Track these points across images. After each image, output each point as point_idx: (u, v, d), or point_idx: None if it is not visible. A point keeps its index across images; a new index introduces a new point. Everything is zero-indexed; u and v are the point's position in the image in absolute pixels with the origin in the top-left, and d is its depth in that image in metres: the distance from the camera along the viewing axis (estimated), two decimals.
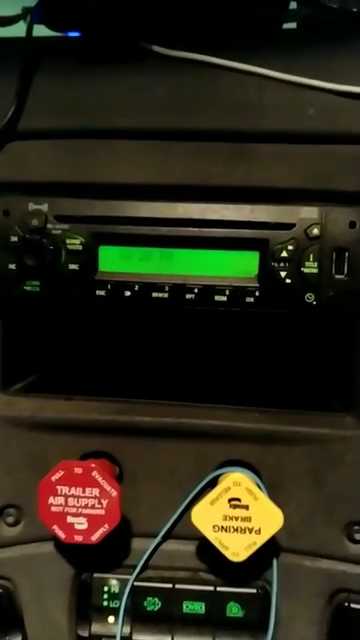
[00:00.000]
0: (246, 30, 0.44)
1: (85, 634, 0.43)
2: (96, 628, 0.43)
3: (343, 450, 0.41)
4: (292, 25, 0.48)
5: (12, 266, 0.43)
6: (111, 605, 0.43)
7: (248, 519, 0.38)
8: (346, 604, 0.41)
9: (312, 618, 0.42)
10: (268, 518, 0.38)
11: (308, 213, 0.41)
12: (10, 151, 0.43)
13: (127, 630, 0.42)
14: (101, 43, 0.44)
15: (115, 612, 0.43)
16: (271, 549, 0.40)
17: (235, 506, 0.38)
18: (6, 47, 0.44)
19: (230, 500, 0.38)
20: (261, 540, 0.38)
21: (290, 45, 0.42)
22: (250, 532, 0.38)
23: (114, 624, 0.43)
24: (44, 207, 0.43)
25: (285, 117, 0.41)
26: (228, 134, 0.41)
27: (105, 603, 0.43)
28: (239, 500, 0.38)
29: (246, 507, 0.38)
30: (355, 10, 0.44)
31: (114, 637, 0.42)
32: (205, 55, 0.41)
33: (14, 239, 0.43)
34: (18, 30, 0.44)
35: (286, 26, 0.48)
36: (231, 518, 0.38)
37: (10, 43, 0.44)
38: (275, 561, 0.41)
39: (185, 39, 0.42)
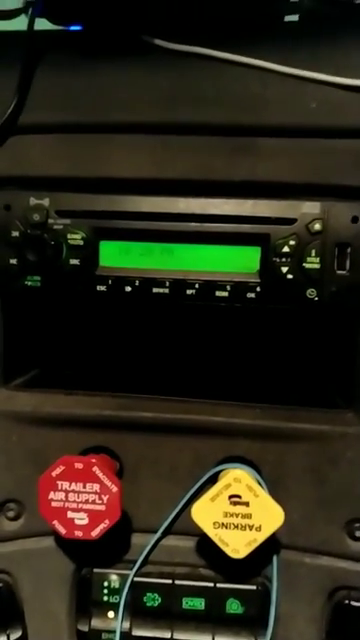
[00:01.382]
0: (248, 23, 0.43)
1: (85, 629, 0.43)
2: (96, 623, 0.43)
3: (344, 447, 0.41)
4: (294, 18, 0.47)
5: (13, 261, 0.43)
6: (111, 600, 0.43)
7: (249, 516, 0.38)
8: (346, 601, 0.41)
9: (312, 615, 0.42)
10: (269, 515, 0.38)
11: (310, 208, 0.41)
12: (11, 145, 0.43)
13: (127, 625, 0.42)
14: (103, 37, 0.44)
15: (115, 607, 0.43)
16: (271, 546, 0.40)
17: (236, 503, 0.38)
18: (7, 41, 0.44)
19: (231, 497, 0.38)
20: (261, 537, 0.38)
21: (292, 38, 0.42)
22: (250, 529, 0.38)
23: (114, 619, 0.43)
24: (45, 202, 0.43)
25: (287, 111, 0.40)
26: (230, 128, 0.41)
27: (105, 598, 0.43)
28: (240, 497, 0.38)
29: (246, 504, 0.38)
30: (358, 2, 0.43)
31: (114, 632, 0.42)
32: (207, 48, 0.41)
33: (15, 234, 0.43)
34: (19, 24, 0.44)
35: (288, 18, 0.47)
36: (231, 515, 0.38)
37: (11, 37, 0.44)
38: (275, 558, 0.41)
39: (187, 33, 0.42)
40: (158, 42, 0.42)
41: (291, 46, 0.41)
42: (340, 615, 0.41)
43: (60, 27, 0.46)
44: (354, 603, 0.41)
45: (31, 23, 0.43)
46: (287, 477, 0.42)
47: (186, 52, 0.41)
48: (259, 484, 0.39)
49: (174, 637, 0.42)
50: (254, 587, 0.42)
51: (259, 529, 0.38)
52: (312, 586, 0.42)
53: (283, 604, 0.41)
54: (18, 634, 0.43)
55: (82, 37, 0.46)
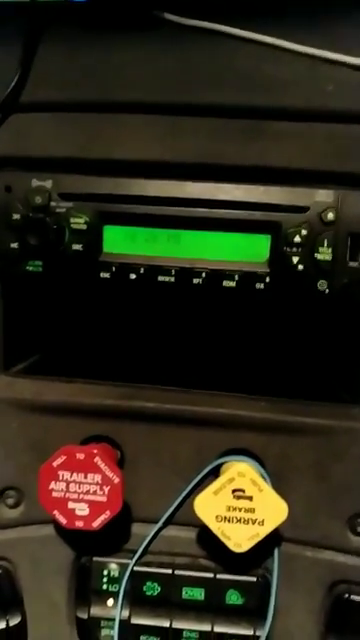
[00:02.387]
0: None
1: (84, 616, 0.43)
2: (95, 611, 0.43)
3: (349, 442, 0.40)
4: None
5: (14, 245, 0.42)
6: (110, 589, 0.43)
7: (252, 510, 0.38)
8: (346, 595, 0.41)
9: (311, 608, 0.42)
10: (272, 510, 0.38)
11: (323, 196, 0.39)
12: (12, 124, 0.41)
13: (126, 614, 0.42)
14: (110, 10, 0.41)
15: (114, 596, 0.43)
16: (273, 539, 0.40)
17: (239, 497, 0.38)
18: (9, 12, 0.42)
19: (234, 491, 0.38)
20: (264, 531, 0.38)
21: (309, 16, 0.40)
22: (253, 523, 0.38)
23: (113, 607, 0.43)
24: (48, 184, 0.42)
25: (302, 93, 0.39)
26: (242, 110, 0.39)
27: (104, 587, 0.43)
28: (243, 491, 0.38)
29: (250, 498, 0.38)
30: None
31: (113, 620, 0.42)
32: (220, 24, 0.39)
33: (16, 217, 0.42)
34: None
35: None
36: (234, 509, 0.38)
37: (13, 8, 0.42)
38: (276, 550, 0.41)
39: (199, 8, 0.40)
40: (169, 17, 0.40)
41: (308, 24, 0.39)
42: (340, 609, 0.41)
43: None
44: (354, 597, 0.41)
45: None
46: (291, 471, 0.41)
47: (198, 28, 0.39)
48: (263, 478, 0.38)
49: (173, 626, 0.42)
50: (254, 579, 0.42)
51: (262, 523, 0.38)
52: (312, 579, 0.42)
53: (283, 596, 0.41)
54: (17, 620, 0.43)
55: (88, 10, 0.44)
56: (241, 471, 0.38)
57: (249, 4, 0.41)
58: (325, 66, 0.38)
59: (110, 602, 0.43)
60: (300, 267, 0.40)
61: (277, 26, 0.38)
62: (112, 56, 0.40)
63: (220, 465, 0.41)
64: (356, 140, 0.39)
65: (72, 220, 0.42)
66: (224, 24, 0.39)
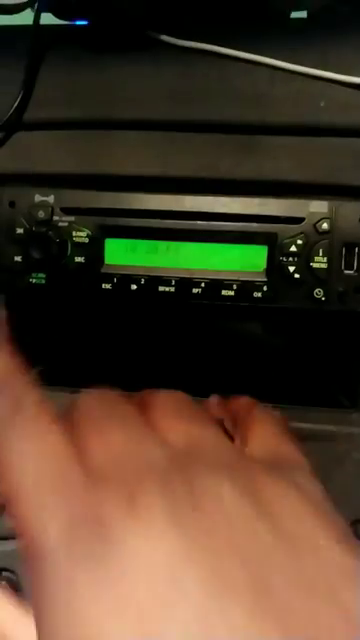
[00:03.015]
0: (255, 19, 0.43)
1: None
2: None
3: (350, 447, 0.41)
4: (302, 14, 0.47)
5: (18, 258, 0.43)
6: None
7: None
8: None
9: None
10: None
11: (318, 207, 0.41)
12: (16, 142, 0.42)
13: None
14: (109, 32, 0.43)
15: None
16: None
17: None
18: (12, 35, 0.43)
19: None
20: None
21: (301, 35, 0.41)
22: None
23: None
24: (50, 199, 0.43)
25: (295, 109, 0.40)
26: (237, 126, 0.41)
27: None
28: None
29: None
30: None
31: None
32: (214, 45, 0.40)
33: (20, 231, 0.43)
34: (25, 18, 0.44)
35: (296, 15, 0.47)
36: None
37: (17, 32, 0.43)
38: None
39: (194, 29, 0.42)
40: (164, 38, 0.42)
41: (299, 43, 0.40)
42: None
43: (66, 22, 0.45)
44: None
45: (37, 18, 0.43)
46: None
47: (193, 48, 0.41)
48: None
49: None
50: None
51: None
52: None
53: None
54: None
55: (88, 32, 0.45)
56: None
57: (242, 25, 0.42)
58: (317, 83, 0.40)
59: None
60: (297, 276, 0.41)
61: (269, 46, 0.40)
62: (111, 76, 0.42)
63: None
64: (348, 153, 0.40)
65: (74, 234, 0.43)
66: (218, 45, 0.40)
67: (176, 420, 0.19)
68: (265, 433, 0.21)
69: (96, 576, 0.14)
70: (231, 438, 0.21)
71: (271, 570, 0.14)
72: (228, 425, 0.22)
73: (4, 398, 0.18)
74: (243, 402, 0.24)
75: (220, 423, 0.22)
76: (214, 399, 0.25)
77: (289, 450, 0.21)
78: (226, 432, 0.21)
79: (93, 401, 0.20)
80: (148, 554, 0.14)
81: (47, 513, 0.15)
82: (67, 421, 0.18)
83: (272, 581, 0.14)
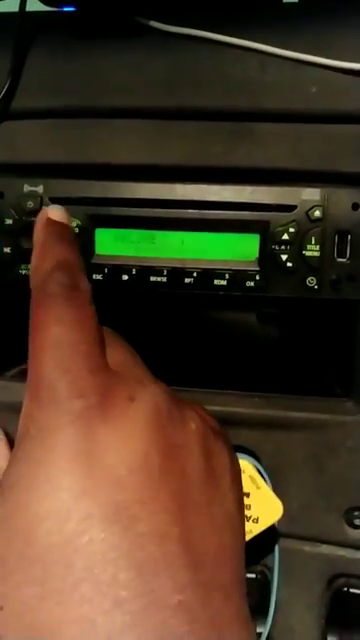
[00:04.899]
0: (246, 4, 0.42)
1: None
2: None
3: (343, 436, 0.41)
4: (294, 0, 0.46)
5: (7, 249, 0.42)
6: None
7: (247, 507, 0.38)
8: (345, 589, 0.41)
9: (311, 602, 0.42)
10: (267, 508, 0.38)
11: (310, 195, 0.40)
12: (4, 131, 0.42)
13: None
14: (97, 18, 0.42)
15: None
16: (271, 535, 0.40)
17: None
18: None
19: None
20: (257, 529, 0.38)
21: (292, 20, 0.41)
22: (248, 520, 0.38)
23: None
24: (39, 189, 0.42)
25: (287, 95, 0.39)
26: (228, 113, 0.40)
27: None
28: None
29: (247, 495, 0.38)
30: None
31: None
32: (204, 31, 0.40)
33: (9, 222, 0.42)
34: (10, 5, 0.43)
35: (287, 0, 0.46)
36: None
37: (2, 18, 0.42)
38: (276, 547, 0.41)
39: (183, 14, 0.41)
40: (154, 24, 0.41)
41: (291, 29, 0.40)
42: (339, 602, 0.41)
43: (53, 8, 0.44)
44: (353, 590, 0.41)
45: (23, 4, 0.42)
46: (286, 466, 0.42)
47: (183, 35, 0.40)
48: (261, 475, 0.39)
49: None
50: (253, 575, 0.42)
51: (256, 521, 0.38)
52: (311, 574, 0.42)
53: (282, 592, 0.41)
54: None
55: (76, 18, 0.45)
56: (241, 467, 0.38)
57: (232, 11, 0.42)
58: (308, 69, 0.39)
59: None
60: (289, 264, 0.40)
61: (260, 31, 0.39)
62: (100, 63, 0.41)
63: None
64: (340, 139, 0.40)
65: None
66: (207, 30, 0.40)
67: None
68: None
69: (81, 435, 0.18)
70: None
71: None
72: None
73: (66, 274, 0.22)
74: None
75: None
76: None
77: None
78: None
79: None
80: (124, 438, 0.18)
81: (67, 372, 0.19)
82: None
83: (191, 495, 0.19)
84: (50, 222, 0.24)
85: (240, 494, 0.23)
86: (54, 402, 0.18)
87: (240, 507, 0.22)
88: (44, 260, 0.22)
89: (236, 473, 0.23)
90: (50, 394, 0.19)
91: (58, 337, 0.20)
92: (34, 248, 0.24)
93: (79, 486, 0.17)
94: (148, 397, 0.20)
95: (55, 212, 0.25)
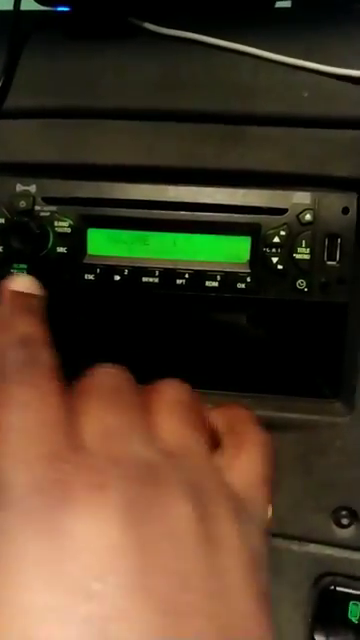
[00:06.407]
0: (239, 8, 0.43)
1: None
2: None
3: (332, 436, 0.42)
4: (287, 4, 0.47)
5: None
6: None
7: None
8: (331, 587, 0.42)
9: (298, 600, 0.42)
10: None
11: (301, 198, 0.41)
12: None
13: None
14: (91, 19, 0.42)
15: None
16: None
17: None
18: None
19: None
20: None
21: (285, 25, 0.41)
22: None
23: None
24: (32, 188, 0.42)
25: (279, 100, 0.40)
26: (220, 116, 0.41)
27: None
28: None
29: None
30: None
31: None
32: (197, 34, 0.40)
33: (1, 221, 0.42)
34: (5, 4, 0.43)
35: (280, 5, 0.47)
36: None
37: None
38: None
39: (177, 17, 0.41)
40: (147, 26, 0.41)
41: (283, 33, 0.40)
42: (326, 600, 0.42)
43: (47, 8, 0.44)
44: (339, 589, 0.42)
45: (17, 3, 0.42)
46: (276, 466, 0.42)
47: (176, 37, 0.40)
48: None
49: None
50: None
51: None
52: (299, 573, 0.42)
53: (270, 590, 0.42)
54: None
55: (70, 19, 0.45)
56: None
57: (226, 14, 0.42)
58: (301, 73, 0.39)
59: None
60: (280, 267, 0.41)
61: (253, 35, 0.40)
62: (93, 64, 0.41)
63: None
64: (331, 144, 0.40)
65: (56, 224, 0.42)
66: (201, 33, 0.40)
67: (172, 418, 0.20)
68: (251, 459, 0.22)
69: (41, 539, 0.15)
70: (217, 444, 0.22)
71: (189, 590, 0.15)
72: (222, 429, 0.23)
73: (24, 350, 0.20)
74: (242, 414, 0.25)
75: (213, 429, 0.22)
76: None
77: (262, 494, 0.22)
78: (216, 436, 0.22)
79: (107, 376, 0.21)
80: (93, 537, 0.15)
81: (20, 463, 0.16)
82: (76, 384, 0.20)
83: (184, 599, 0.15)
84: (14, 294, 0.23)
85: (253, 552, 0.19)
86: (8, 499, 0.15)
87: (253, 562, 0.19)
88: (2, 337, 0.20)
89: (243, 531, 0.19)
90: (2, 489, 0.16)
91: (10, 423, 0.17)
92: None
93: (42, 604, 0.14)
94: (121, 481, 0.16)
95: (20, 283, 0.23)
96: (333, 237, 0.41)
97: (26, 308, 0.22)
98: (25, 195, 0.42)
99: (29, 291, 0.23)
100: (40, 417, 0.17)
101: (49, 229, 0.42)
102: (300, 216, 0.41)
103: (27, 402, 0.18)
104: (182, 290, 0.42)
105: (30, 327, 0.21)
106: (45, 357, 0.20)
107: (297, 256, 0.41)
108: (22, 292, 0.23)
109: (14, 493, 0.16)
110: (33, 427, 0.17)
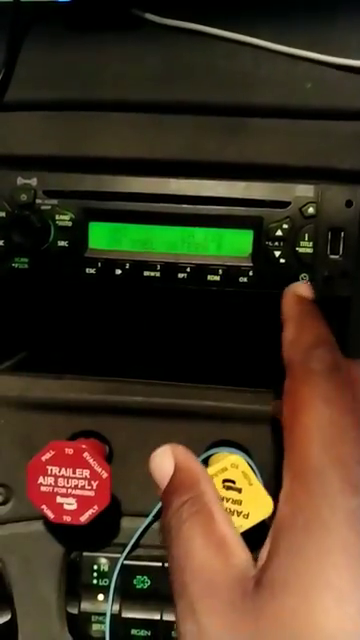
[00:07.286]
0: None
1: (75, 611, 0.43)
2: (85, 606, 0.43)
3: None
4: None
5: (0, 242, 0.42)
6: (100, 583, 0.43)
7: (239, 502, 0.38)
8: None
9: None
10: (258, 504, 0.38)
11: (304, 191, 0.40)
12: None
13: (116, 608, 0.42)
14: (92, 10, 0.42)
15: (105, 590, 0.43)
16: (260, 530, 0.40)
17: (229, 487, 0.38)
18: None
19: (225, 481, 0.38)
20: (247, 525, 0.38)
21: (288, 15, 0.41)
22: (238, 515, 0.38)
23: (103, 602, 0.43)
24: (33, 182, 0.42)
25: (282, 91, 0.39)
26: (222, 108, 0.40)
27: (95, 581, 0.43)
28: (234, 482, 0.38)
29: (239, 490, 0.38)
30: None
31: (103, 614, 0.42)
32: (199, 24, 0.40)
33: (2, 215, 0.42)
34: None
35: None
36: (222, 499, 0.38)
37: None
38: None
39: (179, 8, 0.41)
40: (149, 17, 0.41)
41: (286, 24, 0.40)
42: None
43: None
44: None
45: None
46: (277, 461, 0.42)
47: (178, 28, 0.40)
48: (253, 470, 0.39)
49: (164, 619, 0.42)
50: None
51: (247, 517, 0.38)
52: None
53: None
54: (7, 617, 0.43)
55: (71, 10, 0.44)
56: (234, 462, 0.38)
57: (227, 5, 0.41)
58: (304, 64, 0.39)
59: (100, 597, 0.43)
60: (282, 261, 0.41)
61: (256, 26, 0.39)
62: (95, 55, 0.41)
63: (207, 458, 0.41)
64: (334, 136, 0.40)
65: (57, 217, 0.42)
66: (203, 24, 0.39)
67: None
68: None
69: (355, 546, 0.17)
70: None
71: None
72: None
73: (329, 354, 0.21)
74: None
75: None
76: None
77: None
78: None
79: None
80: None
81: (330, 463, 0.18)
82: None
83: None
84: (301, 299, 0.25)
85: None
86: (325, 494, 0.17)
87: None
88: (302, 334, 0.22)
89: None
90: (320, 484, 0.17)
91: (327, 419, 0.18)
92: (286, 321, 0.24)
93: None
94: None
95: (304, 288, 0.26)
96: (336, 230, 0.40)
97: (316, 313, 0.25)
98: (26, 188, 0.42)
99: (310, 296, 0.26)
100: (353, 419, 0.18)
101: (50, 223, 0.42)
102: (303, 209, 0.40)
103: (340, 401, 0.19)
104: (184, 284, 0.41)
105: (326, 331, 0.23)
106: (342, 362, 0.21)
107: (300, 250, 0.40)
108: (308, 298, 0.25)
109: (332, 488, 0.17)
110: (347, 427, 0.18)
